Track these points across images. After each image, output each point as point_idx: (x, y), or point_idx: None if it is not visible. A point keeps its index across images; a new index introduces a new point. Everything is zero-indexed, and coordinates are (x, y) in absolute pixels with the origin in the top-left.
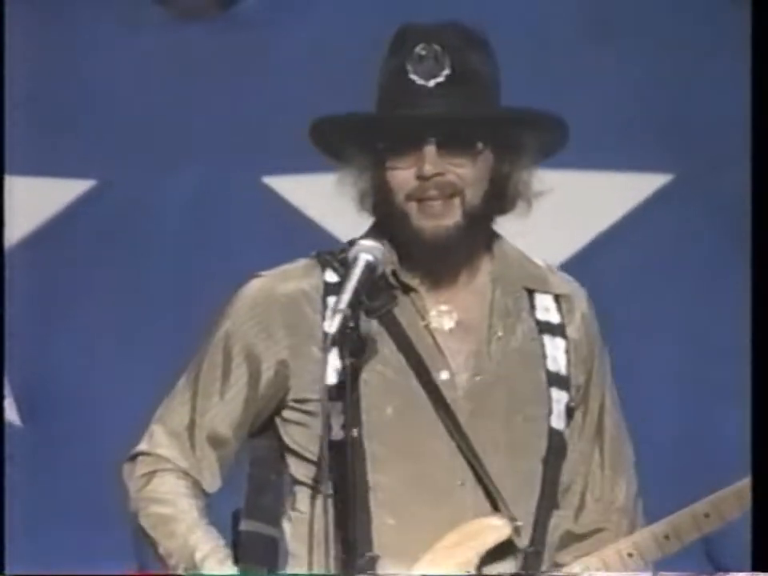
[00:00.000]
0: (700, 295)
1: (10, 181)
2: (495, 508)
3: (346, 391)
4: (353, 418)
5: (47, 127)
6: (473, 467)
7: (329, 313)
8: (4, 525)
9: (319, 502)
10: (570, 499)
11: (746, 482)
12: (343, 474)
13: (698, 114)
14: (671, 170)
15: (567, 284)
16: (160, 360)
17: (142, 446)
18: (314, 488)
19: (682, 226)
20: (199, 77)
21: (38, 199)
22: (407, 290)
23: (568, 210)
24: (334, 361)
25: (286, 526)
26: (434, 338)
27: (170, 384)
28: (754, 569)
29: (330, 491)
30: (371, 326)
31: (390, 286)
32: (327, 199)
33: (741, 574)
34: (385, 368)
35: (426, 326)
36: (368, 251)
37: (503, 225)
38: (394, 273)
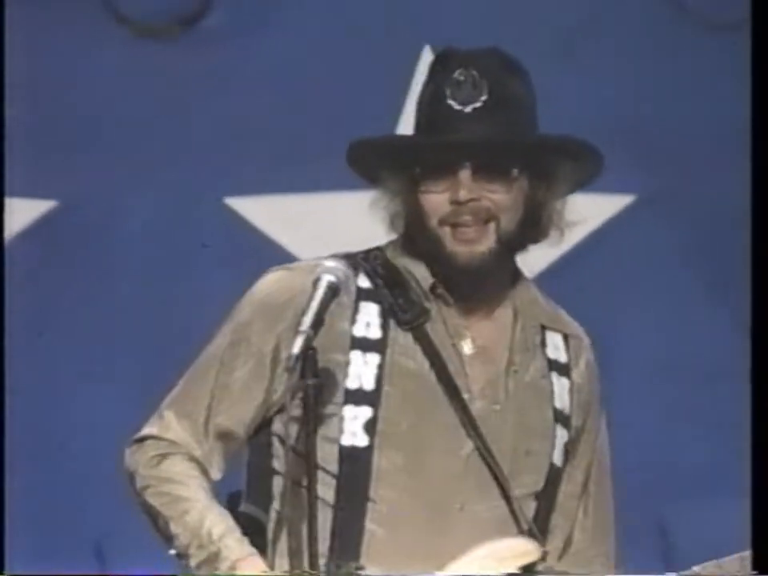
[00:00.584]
0: (664, 315)
1: None
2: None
3: (368, 396)
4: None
5: (7, 147)
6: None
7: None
8: (4, 525)
9: (314, 503)
10: (553, 541)
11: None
12: (346, 482)
13: (662, 134)
14: (634, 190)
15: (575, 326)
16: (123, 381)
17: (152, 430)
18: (308, 489)
19: (645, 246)
20: (161, 97)
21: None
22: (443, 305)
23: None
24: (356, 366)
25: (272, 515)
26: (461, 359)
27: (136, 404)
28: (754, 569)
29: (328, 496)
30: (394, 333)
31: (423, 300)
32: (290, 220)
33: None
34: (410, 381)
35: (454, 346)
36: (331, 272)
37: None
38: (433, 287)
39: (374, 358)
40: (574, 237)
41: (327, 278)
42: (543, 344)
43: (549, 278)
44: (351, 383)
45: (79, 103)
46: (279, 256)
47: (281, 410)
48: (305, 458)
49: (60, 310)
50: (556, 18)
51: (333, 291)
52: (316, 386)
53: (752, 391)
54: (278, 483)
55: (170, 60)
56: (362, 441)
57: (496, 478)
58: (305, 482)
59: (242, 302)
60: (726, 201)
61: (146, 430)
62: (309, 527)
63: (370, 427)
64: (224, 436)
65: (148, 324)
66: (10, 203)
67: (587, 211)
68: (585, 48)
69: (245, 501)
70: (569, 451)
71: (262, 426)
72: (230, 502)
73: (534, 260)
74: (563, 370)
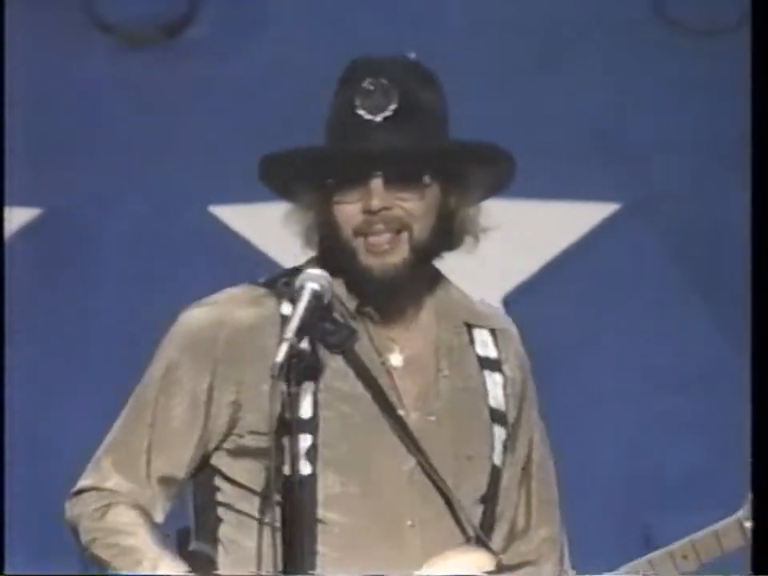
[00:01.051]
0: (647, 324)
1: None
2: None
3: (307, 424)
4: (311, 450)
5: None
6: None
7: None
8: (4, 525)
9: (264, 532)
10: (499, 530)
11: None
12: (290, 507)
13: (644, 143)
14: (617, 199)
15: (502, 318)
16: (105, 389)
17: (90, 481)
18: (259, 520)
19: (628, 255)
20: (146, 105)
21: None
22: (369, 322)
23: (514, 239)
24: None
25: (221, 550)
26: (390, 375)
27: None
28: (754, 569)
29: (277, 524)
30: (324, 357)
31: (349, 320)
32: (274, 228)
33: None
34: (345, 404)
35: (383, 363)
36: (314, 280)
37: (449, 256)
38: (358, 307)
39: (308, 386)
40: (557, 246)
41: (311, 286)
42: (472, 342)
43: (534, 286)
44: (287, 412)
45: (65, 111)
46: (264, 264)
47: (218, 447)
48: (295, 481)
49: (40, 317)
50: (545, 26)
51: (317, 299)
52: (299, 394)
53: (751, 397)
54: (224, 515)
55: (155, 68)
56: (305, 469)
57: (440, 490)
58: (297, 510)
59: (167, 342)
60: (723, 206)
61: (84, 482)
62: (294, 559)
63: (312, 454)
64: (165, 481)
65: (131, 332)
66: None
67: (574, 219)
68: (571, 58)
69: (194, 539)
70: (507, 448)
71: (202, 464)
72: (180, 539)
73: (520, 267)
74: (494, 365)
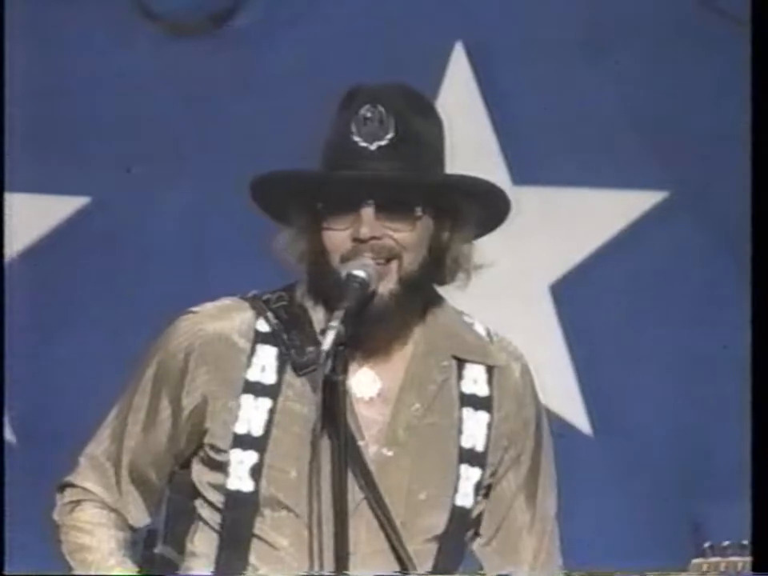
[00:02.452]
0: (696, 313)
1: (9, 197)
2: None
3: (256, 442)
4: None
5: (44, 144)
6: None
7: (321, 331)
8: (4, 525)
9: (216, 543)
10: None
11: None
12: (232, 525)
13: (694, 131)
14: (666, 187)
15: (504, 354)
16: None
17: (69, 478)
18: (218, 533)
19: (677, 243)
20: (190, 95)
21: (35, 216)
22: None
23: (562, 227)
24: (246, 410)
25: (189, 557)
26: (356, 403)
27: None
28: (754, 569)
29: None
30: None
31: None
32: None
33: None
34: (301, 428)
35: (350, 390)
36: (361, 268)
37: (493, 243)
38: (322, 332)
39: (265, 403)
40: (605, 233)
41: (357, 273)
42: (460, 378)
43: (582, 274)
44: (240, 428)
45: (111, 101)
46: None
47: (194, 454)
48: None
49: (92, 304)
50: (588, 16)
51: (363, 287)
52: (345, 381)
53: None
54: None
55: (200, 58)
56: (247, 485)
57: (383, 527)
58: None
59: (155, 344)
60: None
61: (66, 478)
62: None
63: (256, 472)
64: (136, 480)
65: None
66: (45, 199)
67: (622, 207)
68: (618, 45)
69: (161, 542)
70: (482, 487)
71: (181, 470)
72: (147, 541)
73: (568, 254)
74: (481, 403)
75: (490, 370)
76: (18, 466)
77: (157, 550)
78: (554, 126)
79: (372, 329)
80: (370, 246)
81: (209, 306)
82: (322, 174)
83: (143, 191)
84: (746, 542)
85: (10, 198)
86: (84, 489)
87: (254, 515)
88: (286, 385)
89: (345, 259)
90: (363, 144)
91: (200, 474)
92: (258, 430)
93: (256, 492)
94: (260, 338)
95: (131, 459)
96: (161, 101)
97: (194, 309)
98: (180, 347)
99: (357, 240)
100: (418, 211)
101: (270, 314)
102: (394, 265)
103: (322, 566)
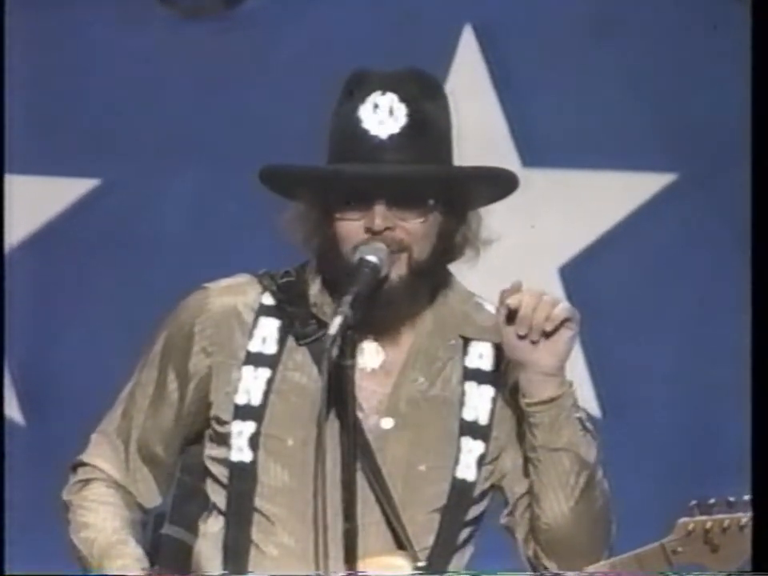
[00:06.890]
0: (703, 295)
1: (11, 180)
2: (400, 546)
3: (254, 411)
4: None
5: (49, 126)
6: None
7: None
8: (4, 525)
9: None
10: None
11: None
12: (236, 497)
13: (702, 114)
14: (675, 169)
15: None
16: None
17: (82, 456)
18: (224, 513)
19: (685, 225)
20: (202, 76)
21: (40, 199)
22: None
23: (571, 209)
24: (246, 381)
25: (200, 539)
26: (358, 375)
27: None
28: (754, 569)
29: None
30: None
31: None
32: None
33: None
34: (299, 398)
35: (352, 363)
36: (373, 253)
37: (503, 223)
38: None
39: (264, 373)
40: (614, 216)
41: (370, 258)
42: (465, 354)
43: (591, 256)
44: (240, 398)
45: (120, 84)
46: None
47: (202, 430)
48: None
49: (98, 287)
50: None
51: (374, 272)
52: (354, 366)
53: None
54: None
55: (213, 39)
56: (246, 456)
57: (379, 500)
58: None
59: (166, 319)
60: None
61: (80, 456)
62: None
63: (254, 442)
64: (145, 457)
65: None
66: (50, 182)
67: (631, 189)
68: (625, 28)
69: (168, 522)
70: (485, 460)
71: (193, 449)
72: (156, 524)
73: (577, 236)
74: (486, 377)
75: (498, 346)
76: (25, 446)
77: (163, 530)
78: (563, 109)
79: (381, 312)
80: (383, 237)
81: (221, 281)
82: (335, 170)
83: (152, 174)
84: (732, 498)
85: (11, 181)
86: (94, 467)
87: (254, 487)
88: (287, 356)
89: (357, 248)
90: (374, 132)
91: (208, 450)
92: (256, 400)
93: (254, 462)
94: (263, 310)
95: (140, 435)
96: (172, 82)
97: (206, 285)
98: (187, 321)
99: (370, 231)
100: (431, 203)
101: (275, 288)
102: (404, 256)
103: (326, 543)
